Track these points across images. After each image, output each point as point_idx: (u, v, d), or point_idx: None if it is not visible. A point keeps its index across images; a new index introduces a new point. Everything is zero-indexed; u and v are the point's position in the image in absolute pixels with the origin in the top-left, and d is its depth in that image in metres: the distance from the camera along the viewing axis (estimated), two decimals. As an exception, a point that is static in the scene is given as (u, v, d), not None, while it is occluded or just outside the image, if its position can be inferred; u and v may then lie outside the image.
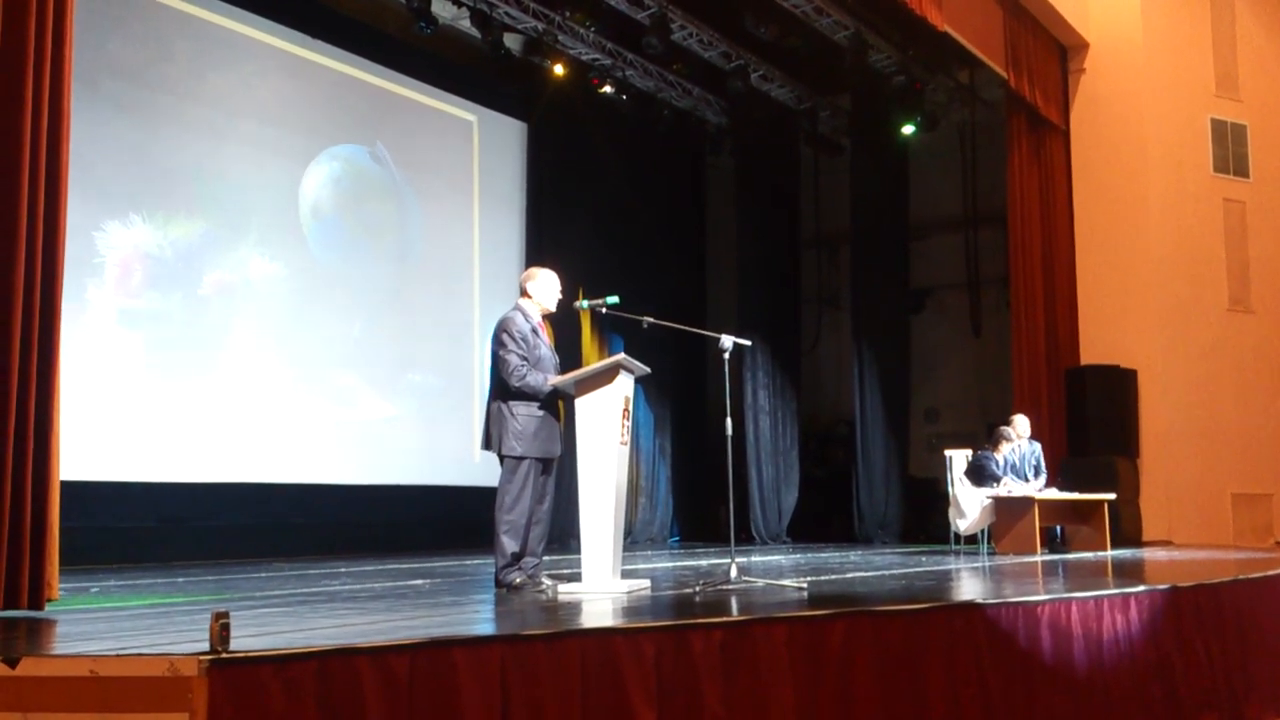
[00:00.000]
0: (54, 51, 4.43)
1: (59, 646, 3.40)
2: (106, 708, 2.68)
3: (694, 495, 12.94)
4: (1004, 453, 9.25)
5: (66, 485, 4.50)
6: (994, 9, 10.78)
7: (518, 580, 5.12)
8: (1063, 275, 11.78)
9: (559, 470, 5.46)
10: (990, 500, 8.96)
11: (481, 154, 11.47)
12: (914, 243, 13.24)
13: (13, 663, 2.73)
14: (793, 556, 9.13)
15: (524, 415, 5.17)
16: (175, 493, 8.48)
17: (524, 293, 5.43)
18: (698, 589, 5.21)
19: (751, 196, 13.26)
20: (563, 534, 9.47)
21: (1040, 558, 8.32)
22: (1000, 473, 9.14)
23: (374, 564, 7.91)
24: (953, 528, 9.26)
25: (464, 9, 10.19)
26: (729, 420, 5.46)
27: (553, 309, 5.49)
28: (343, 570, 7.21)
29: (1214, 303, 11.64)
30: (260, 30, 9.41)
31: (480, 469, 9.66)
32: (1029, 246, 11.43)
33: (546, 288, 5.44)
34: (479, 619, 4.28)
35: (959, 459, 9.41)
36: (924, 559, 8.41)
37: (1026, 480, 9.26)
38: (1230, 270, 11.70)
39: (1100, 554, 8.83)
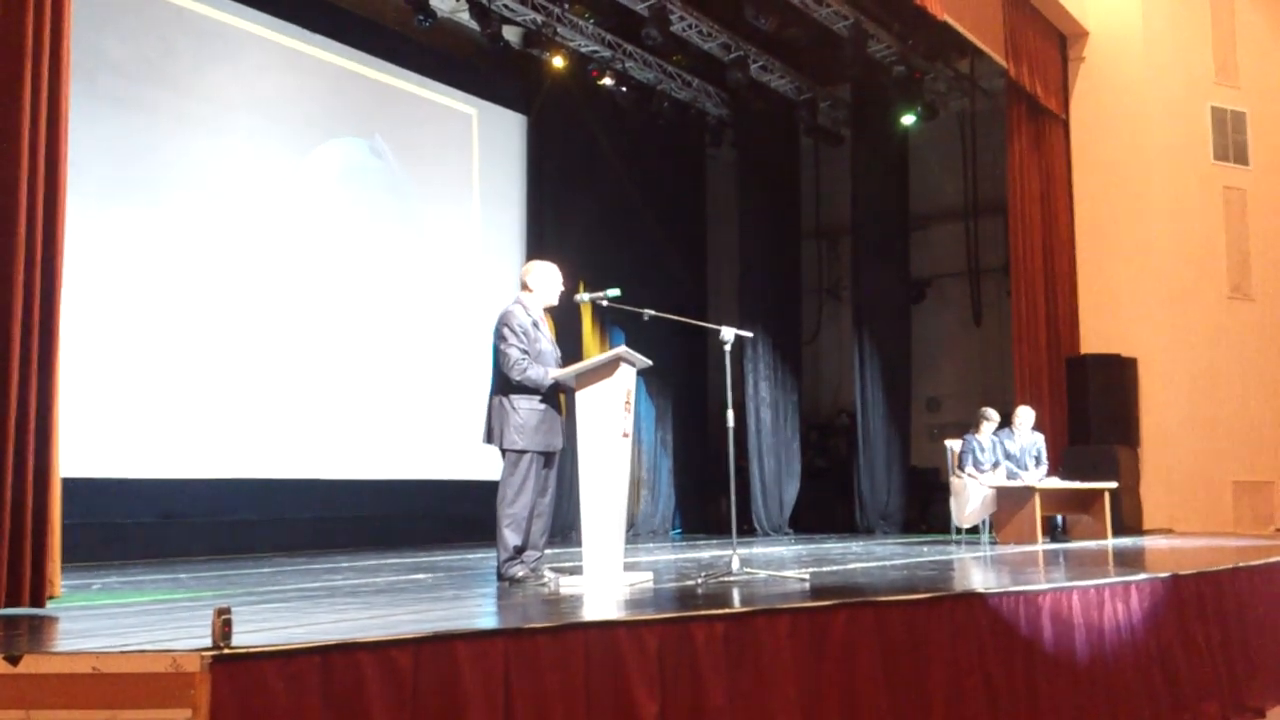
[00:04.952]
0: (52, 47, 4.41)
1: (61, 644, 3.40)
2: (109, 704, 2.68)
3: (696, 487, 12.95)
4: (984, 433, 9.25)
5: (67, 482, 4.50)
6: (993, -2, 10.76)
7: (520, 573, 5.12)
8: (1063, 264, 11.76)
9: (561, 463, 5.46)
10: (991, 490, 8.96)
11: (481, 147, 11.45)
12: (914, 232, 13.23)
13: (15, 660, 2.73)
14: (795, 548, 9.14)
15: (525, 409, 5.17)
16: (176, 488, 8.48)
17: (524, 286, 5.43)
18: (700, 581, 5.21)
19: (752, 188, 13.25)
20: (565, 527, 9.48)
21: (1041, 547, 8.33)
22: (980, 456, 9.13)
23: (376, 558, 7.92)
24: (954, 518, 9.26)
25: (462, 1, 10.16)
26: (730, 412, 5.45)
27: (554, 302, 5.49)
28: (345, 565, 7.22)
29: (1214, 290, 11.62)
30: (258, 24, 9.39)
31: (482, 463, 9.64)
32: (1029, 235, 11.41)
33: (547, 281, 5.43)
34: (481, 612, 4.28)
35: (959, 449, 9.42)
36: (925, 549, 8.41)
37: (1026, 470, 9.26)
38: (1230, 258, 11.68)
39: (1101, 543, 8.83)
